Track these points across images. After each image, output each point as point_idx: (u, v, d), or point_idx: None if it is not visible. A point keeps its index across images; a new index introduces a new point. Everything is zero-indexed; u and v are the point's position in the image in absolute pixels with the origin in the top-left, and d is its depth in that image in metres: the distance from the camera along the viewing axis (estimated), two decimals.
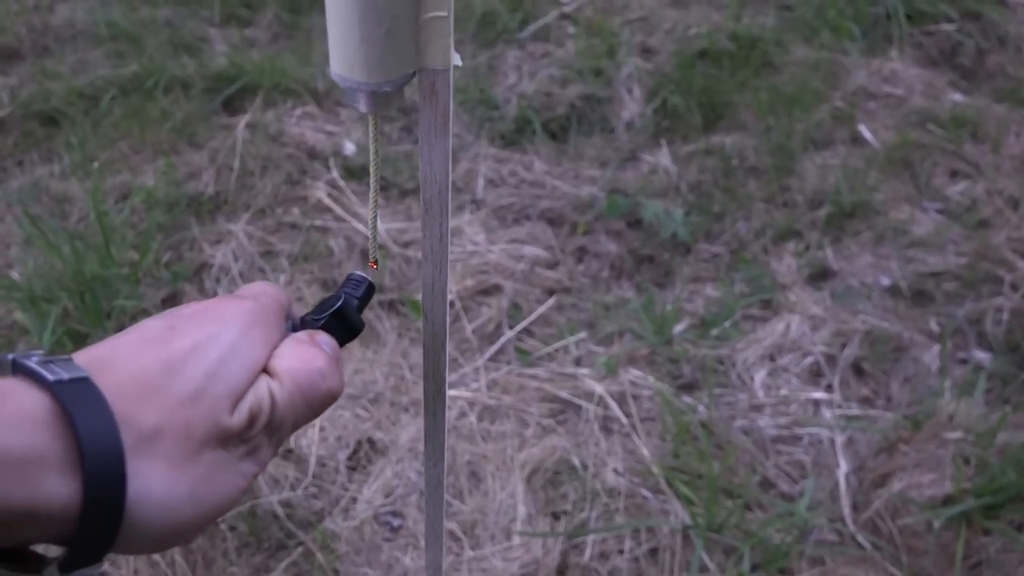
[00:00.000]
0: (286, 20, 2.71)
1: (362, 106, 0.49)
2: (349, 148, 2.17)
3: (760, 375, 1.62)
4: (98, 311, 1.63)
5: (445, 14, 0.46)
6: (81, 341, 1.58)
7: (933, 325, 1.77)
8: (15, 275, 1.79)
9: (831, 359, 1.66)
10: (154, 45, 2.55)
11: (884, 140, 2.23)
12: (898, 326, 1.74)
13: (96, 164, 2.09)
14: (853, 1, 2.66)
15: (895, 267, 1.88)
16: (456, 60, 0.48)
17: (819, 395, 1.59)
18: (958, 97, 2.40)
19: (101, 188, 1.97)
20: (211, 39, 2.61)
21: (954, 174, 2.17)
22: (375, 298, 1.78)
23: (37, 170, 2.14)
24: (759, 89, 2.37)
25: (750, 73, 2.43)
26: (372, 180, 0.55)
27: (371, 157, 0.53)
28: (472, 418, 1.56)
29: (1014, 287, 1.84)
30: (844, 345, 1.69)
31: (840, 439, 1.51)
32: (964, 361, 1.70)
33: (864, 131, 2.26)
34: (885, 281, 1.85)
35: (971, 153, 2.20)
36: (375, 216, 0.57)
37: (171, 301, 1.73)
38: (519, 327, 1.75)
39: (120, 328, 1.65)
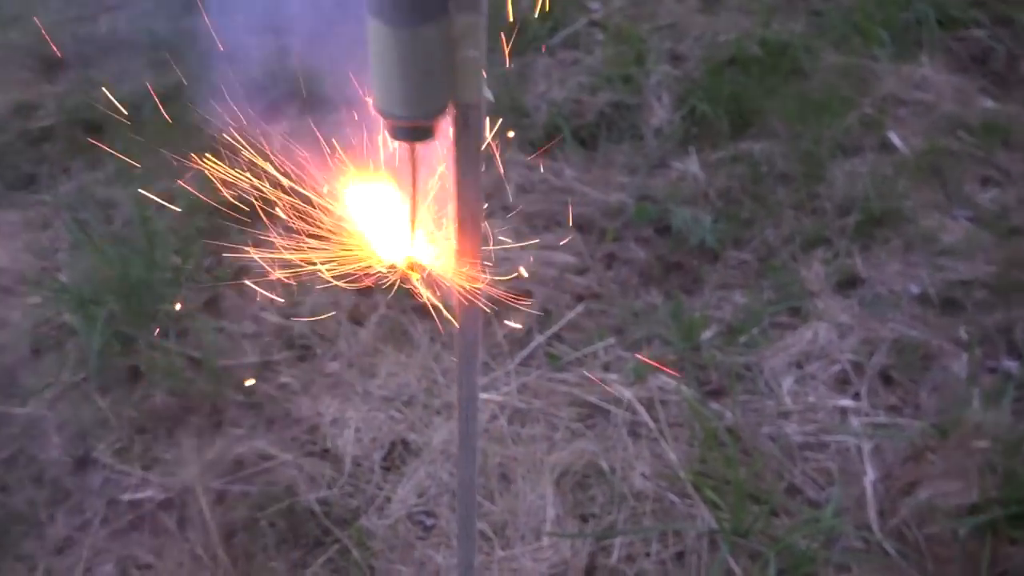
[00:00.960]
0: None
1: (401, 137, 0.53)
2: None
3: (787, 382, 1.64)
4: (143, 314, 1.69)
5: (478, 54, 0.50)
6: (128, 343, 1.64)
7: (962, 333, 1.77)
8: (64, 278, 1.86)
9: (859, 367, 1.68)
10: (193, 54, 2.61)
11: (914, 147, 2.23)
12: (927, 334, 1.75)
13: (139, 170, 2.16)
14: (883, 6, 2.66)
15: (925, 275, 1.89)
16: (488, 96, 0.52)
17: (846, 403, 1.61)
18: (989, 103, 2.39)
19: (144, 194, 2.03)
20: (249, 46, 2.67)
21: (985, 181, 2.16)
22: (409, 302, 1.82)
23: (83, 176, 2.21)
24: (788, 95, 2.38)
25: (779, 79, 2.44)
26: (411, 209, 0.58)
27: (410, 188, 0.57)
28: (503, 421, 1.60)
29: None
30: (872, 353, 1.70)
31: (867, 447, 1.52)
32: (993, 370, 1.70)
33: (894, 138, 2.26)
34: (914, 289, 1.86)
35: (1002, 160, 2.20)
36: (412, 239, 0.61)
37: (212, 304, 1.79)
38: (549, 332, 1.78)
39: (164, 331, 1.71)
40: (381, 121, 0.55)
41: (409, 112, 0.51)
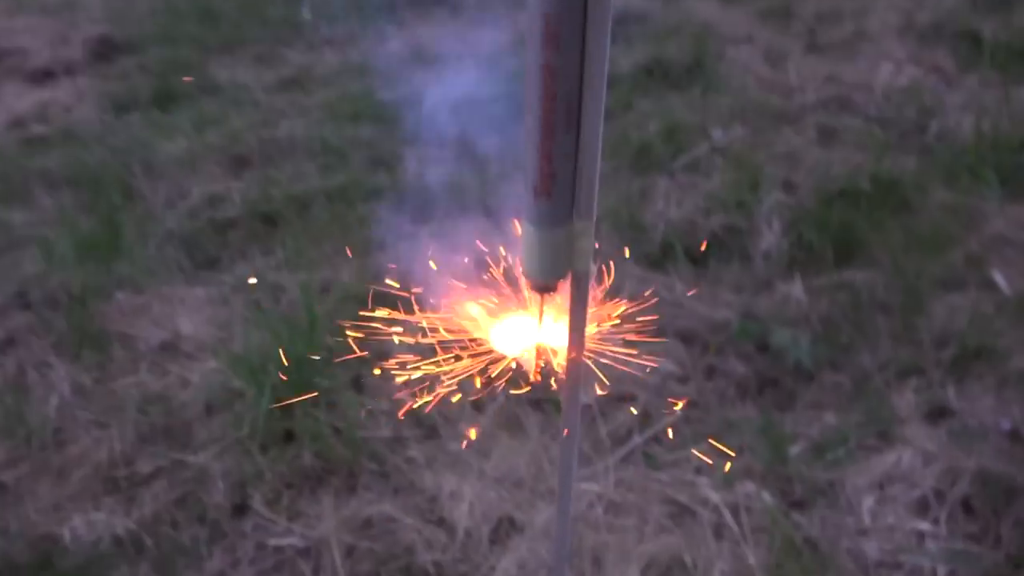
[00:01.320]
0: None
1: (536, 291, 0.79)
2: None
3: (868, 502, 1.75)
4: (302, 386, 1.99)
5: (588, 243, 0.74)
6: (288, 408, 1.94)
7: None
8: (237, 349, 2.20)
9: (940, 494, 1.77)
10: (357, 160, 3.03)
11: (1017, 287, 2.31)
12: (1013, 469, 1.81)
13: (305, 260, 2.52)
14: (996, 148, 2.77)
15: (1017, 412, 1.96)
16: (593, 269, 0.78)
17: (925, 527, 1.70)
18: None
19: (309, 282, 2.38)
20: (404, 156, 3.06)
21: None
22: (524, 394, 2.05)
23: (257, 261, 2.60)
24: (894, 229, 2.52)
25: (886, 213, 2.59)
26: (537, 331, 0.83)
27: (539, 325, 0.82)
28: (599, 510, 1.78)
29: None
30: (955, 482, 1.78)
31: (942, 570, 1.61)
32: None
33: (998, 277, 2.35)
34: (1005, 425, 1.93)
35: None
36: (536, 352, 0.85)
37: (357, 382, 2.08)
38: (648, 434, 1.96)
39: (316, 402, 2.01)
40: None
41: (542, 276, 0.76)
